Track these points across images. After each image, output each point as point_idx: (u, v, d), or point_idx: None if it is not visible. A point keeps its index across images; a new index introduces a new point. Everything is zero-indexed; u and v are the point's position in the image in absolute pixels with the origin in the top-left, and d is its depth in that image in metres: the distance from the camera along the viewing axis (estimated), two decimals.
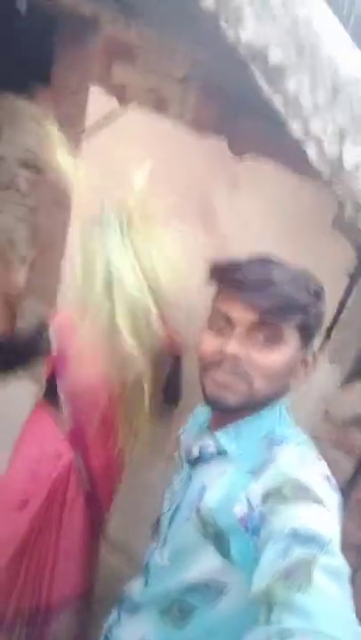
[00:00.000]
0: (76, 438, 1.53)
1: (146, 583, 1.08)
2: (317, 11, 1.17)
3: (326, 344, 1.60)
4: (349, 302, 1.53)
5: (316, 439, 1.53)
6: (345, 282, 1.53)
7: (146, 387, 1.34)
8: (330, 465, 1.50)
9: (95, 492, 1.59)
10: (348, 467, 1.46)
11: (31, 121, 2.47)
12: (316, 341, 1.60)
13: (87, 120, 1.89)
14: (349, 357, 1.56)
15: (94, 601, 1.79)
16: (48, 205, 2.47)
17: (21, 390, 1.87)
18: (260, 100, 1.30)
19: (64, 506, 1.56)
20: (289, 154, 1.42)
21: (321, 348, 1.61)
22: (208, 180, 1.70)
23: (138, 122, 1.79)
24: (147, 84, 2.45)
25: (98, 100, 1.85)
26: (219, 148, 1.67)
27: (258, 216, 1.63)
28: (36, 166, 2.54)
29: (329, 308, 1.56)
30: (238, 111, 2.92)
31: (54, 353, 1.48)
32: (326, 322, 1.58)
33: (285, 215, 1.58)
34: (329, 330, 1.59)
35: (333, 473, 1.47)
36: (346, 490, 1.49)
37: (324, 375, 1.60)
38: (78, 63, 2.24)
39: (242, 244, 1.57)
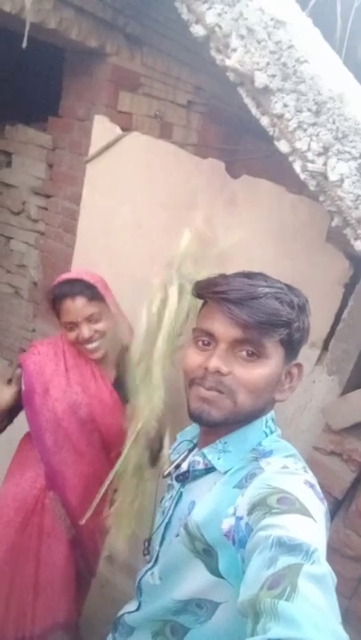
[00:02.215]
0: (51, 475, 1.56)
1: (139, 605, 1.08)
2: (300, 35, 1.23)
3: (324, 356, 1.62)
4: (345, 313, 1.55)
5: (318, 450, 1.56)
6: (341, 293, 1.56)
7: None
8: (330, 475, 1.52)
9: (76, 528, 1.58)
10: (347, 476, 1.47)
11: (41, 150, 2.56)
12: (314, 353, 1.63)
13: (92, 147, 1.97)
14: (348, 368, 1.58)
15: (98, 623, 1.79)
16: (56, 230, 2.56)
17: None
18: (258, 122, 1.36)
19: (42, 531, 1.57)
20: (285, 172, 1.48)
21: (319, 359, 1.64)
22: (207, 199, 1.76)
23: (140, 144, 1.87)
24: (152, 111, 2.55)
25: (103, 128, 1.93)
26: (217, 169, 1.73)
27: (255, 233, 1.68)
28: (45, 193, 2.62)
29: (326, 319, 1.59)
30: (240, 133, 3.02)
31: (23, 388, 1.53)
32: (324, 333, 1.61)
33: (281, 231, 1.62)
34: (326, 341, 1.62)
35: (333, 483, 1.49)
36: (346, 499, 1.50)
37: (323, 386, 1.62)
38: (86, 93, 2.35)
39: (241, 261, 1.62)
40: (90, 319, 1.45)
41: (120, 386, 1.53)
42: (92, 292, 1.46)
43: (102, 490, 1.30)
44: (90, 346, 1.48)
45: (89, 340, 1.47)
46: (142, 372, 1.24)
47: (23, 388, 1.52)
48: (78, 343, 1.49)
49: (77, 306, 1.44)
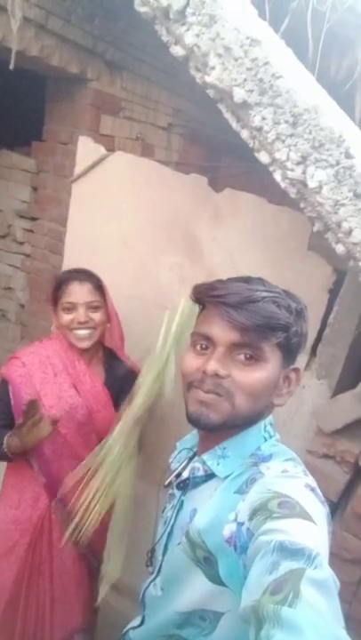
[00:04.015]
0: (51, 484, 1.54)
1: (143, 620, 1.07)
2: (275, 52, 1.29)
3: (312, 361, 1.65)
4: (331, 318, 1.59)
5: (311, 453, 1.57)
6: (326, 299, 1.60)
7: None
8: (324, 478, 1.53)
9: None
10: (341, 478, 1.48)
11: (25, 174, 2.60)
12: (302, 359, 1.66)
13: (77, 167, 2.02)
14: (336, 372, 1.61)
15: None
16: (42, 251, 2.59)
17: None
18: (237, 139, 1.42)
19: (51, 546, 1.56)
20: (266, 187, 1.53)
21: (308, 365, 1.67)
22: (191, 214, 1.80)
23: (124, 163, 1.91)
24: (133, 133, 2.62)
25: (87, 148, 1.98)
26: (200, 184, 1.78)
27: (240, 244, 1.73)
28: (30, 216, 2.65)
29: (313, 325, 1.63)
30: (219, 153, 3.10)
31: (12, 402, 1.53)
32: (311, 339, 1.64)
33: (265, 241, 1.67)
34: (314, 347, 1.65)
35: (328, 485, 1.50)
36: (341, 502, 1.51)
37: (313, 391, 1.65)
38: (68, 117, 2.40)
39: (227, 272, 1.66)
40: (89, 306, 1.52)
41: (109, 386, 1.58)
42: (97, 283, 1.55)
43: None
44: (81, 332, 1.51)
45: (82, 325, 1.51)
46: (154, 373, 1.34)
47: (12, 402, 1.51)
48: (70, 329, 1.51)
49: (83, 289, 1.52)
